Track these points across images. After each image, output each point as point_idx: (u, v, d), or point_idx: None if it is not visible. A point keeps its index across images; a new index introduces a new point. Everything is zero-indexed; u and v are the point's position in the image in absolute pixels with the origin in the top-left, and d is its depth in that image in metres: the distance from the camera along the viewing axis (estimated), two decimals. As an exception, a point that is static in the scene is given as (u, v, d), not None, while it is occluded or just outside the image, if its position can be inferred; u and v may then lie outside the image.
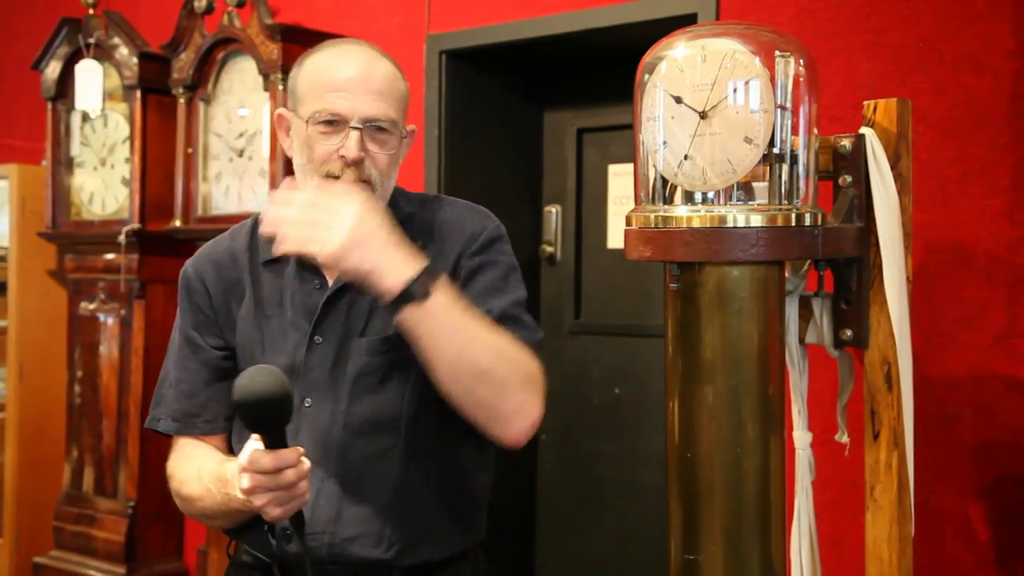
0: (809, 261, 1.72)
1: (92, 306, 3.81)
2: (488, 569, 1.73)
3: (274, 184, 3.17)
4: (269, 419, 1.35)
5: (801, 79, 1.61)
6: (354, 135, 1.54)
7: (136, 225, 3.59)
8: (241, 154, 3.40)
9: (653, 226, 1.62)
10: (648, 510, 3.17)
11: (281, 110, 1.67)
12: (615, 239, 3.27)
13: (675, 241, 1.57)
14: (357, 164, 1.55)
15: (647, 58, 1.69)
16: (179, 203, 3.51)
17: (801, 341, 1.77)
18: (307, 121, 1.56)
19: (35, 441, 4.04)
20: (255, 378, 1.32)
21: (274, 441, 1.37)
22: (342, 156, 1.54)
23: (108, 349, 3.74)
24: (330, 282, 1.62)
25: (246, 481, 1.38)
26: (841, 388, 1.83)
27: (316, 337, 1.60)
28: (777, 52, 1.58)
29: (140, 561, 3.66)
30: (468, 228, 1.65)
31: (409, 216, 1.66)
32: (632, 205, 1.77)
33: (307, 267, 1.63)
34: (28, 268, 4.06)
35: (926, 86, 2.19)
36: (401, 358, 1.56)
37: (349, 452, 1.57)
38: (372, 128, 1.56)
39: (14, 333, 4.03)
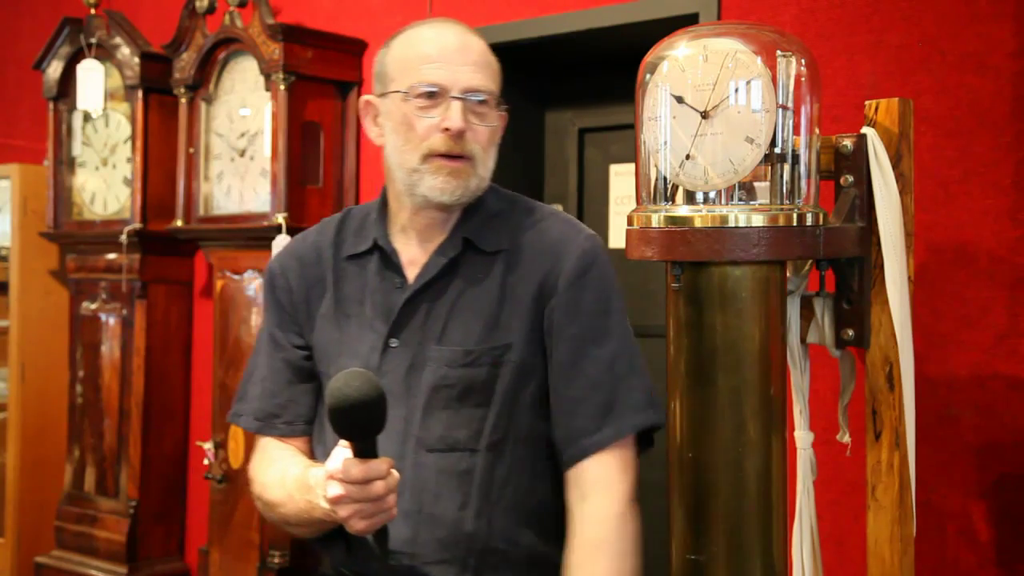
0: (811, 261, 1.72)
1: (94, 306, 3.81)
2: None
3: (275, 184, 3.17)
4: (362, 426, 1.27)
5: (803, 79, 1.61)
6: (456, 105, 1.47)
7: (138, 225, 3.60)
8: (243, 154, 3.40)
9: (655, 226, 1.62)
10: (650, 510, 3.16)
11: (368, 97, 1.58)
12: (616, 239, 3.27)
13: (676, 241, 1.57)
14: (462, 136, 1.47)
15: (648, 58, 1.69)
16: (181, 203, 3.51)
17: (803, 341, 1.77)
18: (404, 96, 1.49)
19: (37, 441, 4.04)
20: (349, 382, 1.25)
21: (365, 450, 1.30)
22: (445, 128, 1.46)
23: (110, 349, 3.75)
24: (410, 281, 1.54)
25: (333, 490, 1.32)
26: (843, 388, 1.83)
27: (392, 340, 1.52)
28: (779, 52, 1.58)
29: (141, 561, 3.66)
30: (560, 246, 1.53)
31: (497, 213, 1.57)
32: (633, 205, 1.77)
33: (389, 264, 1.56)
34: (30, 268, 4.07)
35: (928, 86, 2.19)
36: (484, 375, 1.47)
37: (423, 469, 1.48)
38: (473, 100, 1.49)
39: (16, 333, 4.03)
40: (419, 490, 1.47)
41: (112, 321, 3.75)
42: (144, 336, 3.66)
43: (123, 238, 3.59)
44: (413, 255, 1.56)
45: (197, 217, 3.50)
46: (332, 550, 1.54)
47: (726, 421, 1.58)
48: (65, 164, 3.92)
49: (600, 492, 1.46)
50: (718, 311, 1.59)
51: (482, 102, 1.49)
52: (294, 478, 1.49)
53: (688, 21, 2.54)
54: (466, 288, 1.52)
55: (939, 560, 2.16)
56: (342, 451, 1.33)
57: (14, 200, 4.08)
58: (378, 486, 1.30)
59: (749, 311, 1.60)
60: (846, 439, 1.86)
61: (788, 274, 1.70)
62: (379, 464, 1.30)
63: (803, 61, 1.61)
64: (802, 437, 1.80)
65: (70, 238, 3.90)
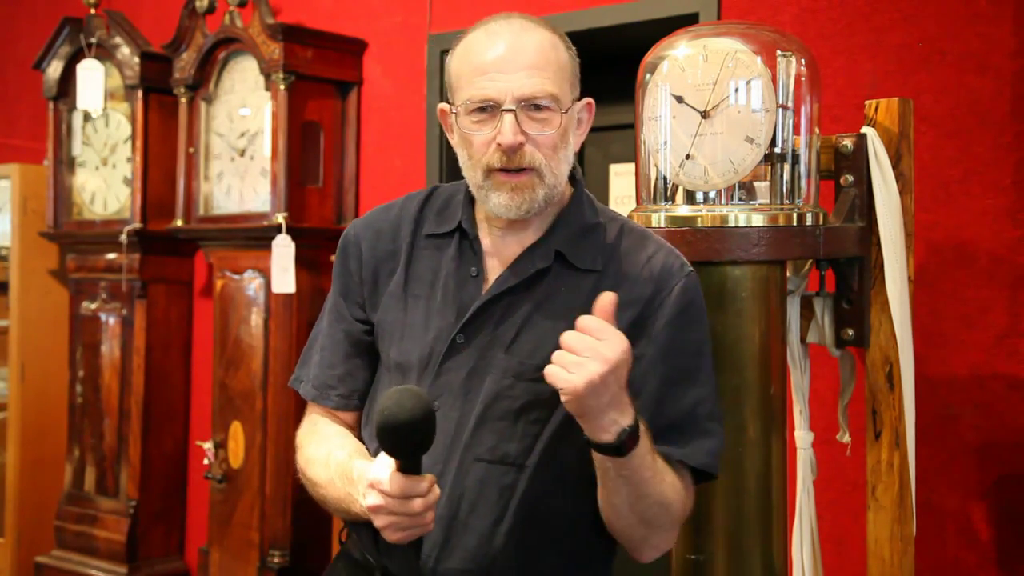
0: (811, 260, 1.72)
1: (94, 306, 3.81)
2: None
3: (275, 184, 3.18)
4: (408, 446, 1.27)
5: (803, 79, 1.61)
6: (508, 118, 1.40)
7: (138, 225, 3.60)
8: (243, 153, 3.40)
9: (655, 225, 1.62)
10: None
11: (442, 105, 1.53)
12: (616, 239, 3.26)
13: (677, 241, 1.57)
14: (515, 150, 1.41)
15: (649, 57, 1.69)
16: (180, 203, 3.51)
17: (803, 341, 1.77)
18: (460, 113, 1.44)
19: (37, 441, 4.04)
20: (401, 403, 1.23)
21: (409, 466, 1.28)
22: (499, 144, 1.40)
23: (110, 349, 3.75)
24: (488, 276, 1.49)
25: (372, 499, 1.30)
26: (843, 388, 1.83)
27: (459, 336, 1.46)
28: (779, 52, 1.58)
29: (141, 561, 3.66)
30: (661, 276, 1.46)
31: (595, 226, 1.51)
32: (634, 204, 1.77)
33: (470, 249, 1.51)
34: (30, 268, 4.07)
35: (928, 86, 2.19)
36: (548, 392, 1.39)
37: (466, 476, 1.44)
38: (529, 107, 1.41)
39: (16, 333, 4.03)
40: (457, 497, 1.44)
41: (112, 321, 3.75)
42: (144, 336, 3.66)
43: (123, 238, 3.59)
44: (496, 246, 1.51)
45: (197, 217, 3.50)
46: (361, 535, 1.52)
47: (726, 421, 1.58)
48: (65, 164, 3.92)
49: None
50: (718, 311, 1.59)
51: (541, 107, 1.42)
52: (338, 463, 1.47)
53: (688, 21, 2.54)
54: (546, 301, 1.46)
55: (939, 560, 2.16)
56: (386, 458, 1.31)
57: (14, 200, 4.08)
58: (416, 503, 1.29)
59: (749, 311, 1.60)
60: (846, 439, 1.86)
61: (788, 274, 1.70)
62: (421, 482, 1.29)
63: (803, 61, 1.61)
64: (802, 437, 1.80)
65: (70, 238, 3.89)
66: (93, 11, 3.75)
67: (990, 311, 2.12)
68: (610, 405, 1.30)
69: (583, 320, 1.30)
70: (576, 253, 1.48)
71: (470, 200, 1.53)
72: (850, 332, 1.71)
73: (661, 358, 1.44)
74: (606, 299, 1.31)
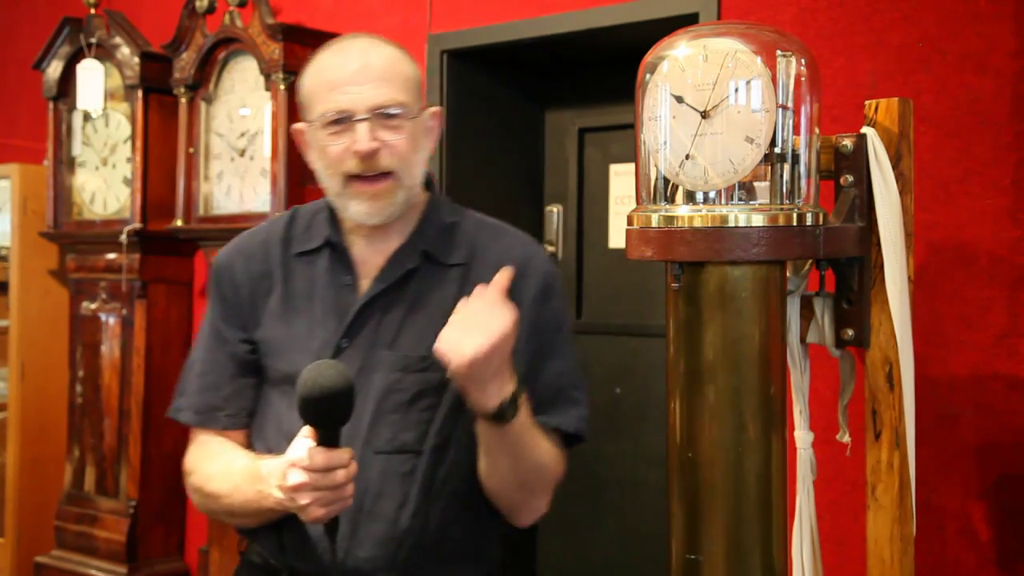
0: (810, 261, 1.72)
1: (94, 306, 3.81)
2: None
3: (275, 184, 3.18)
4: (330, 415, 1.33)
5: (803, 79, 1.61)
6: (362, 127, 1.50)
7: (137, 225, 3.60)
8: (243, 154, 3.40)
9: (654, 226, 1.62)
10: (649, 510, 3.16)
11: (297, 125, 1.62)
12: (616, 239, 3.27)
13: (676, 241, 1.57)
14: (372, 156, 1.50)
15: (648, 57, 1.69)
16: (180, 203, 3.51)
17: (802, 341, 1.77)
18: (316, 127, 1.53)
19: (37, 441, 4.04)
20: (323, 372, 1.30)
21: (328, 439, 1.35)
22: (356, 151, 1.50)
23: (109, 349, 3.75)
24: (362, 282, 1.58)
25: (295, 477, 1.36)
26: (842, 388, 1.83)
27: (343, 341, 1.55)
28: (779, 52, 1.58)
29: (141, 561, 3.66)
30: (522, 263, 1.58)
31: (452, 225, 1.61)
32: (633, 205, 1.77)
33: (341, 261, 1.59)
34: (30, 268, 4.07)
35: (928, 85, 2.19)
36: (435, 380, 1.51)
37: (368, 469, 1.51)
38: (381, 116, 1.51)
39: (16, 333, 4.03)
40: (362, 490, 1.50)
41: (112, 321, 3.75)
42: (144, 336, 3.66)
43: (123, 238, 3.59)
44: (364, 254, 1.59)
45: (197, 217, 3.50)
46: (264, 543, 1.58)
47: (726, 421, 1.58)
48: (65, 164, 3.92)
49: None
50: (718, 311, 1.59)
51: (392, 115, 1.51)
52: (242, 468, 1.53)
53: (688, 21, 2.54)
54: (420, 298, 1.56)
55: (939, 560, 2.16)
56: (304, 441, 1.37)
57: (14, 200, 4.08)
58: (340, 474, 1.36)
59: (749, 311, 1.60)
60: (846, 439, 1.86)
61: (788, 274, 1.70)
62: (341, 453, 1.36)
63: (803, 61, 1.61)
64: (802, 437, 1.80)
65: (70, 238, 3.89)
66: (93, 11, 3.75)
67: (990, 311, 2.12)
68: (494, 377, 1.39)
69: (476, 294, 1.41)
70: (441, 250, 1.59)
71: (334, 214, 1.62)
72: (850, 332, 1.71)
73: (526, 336, 1.53)
74: (503, 275, 1.43)
